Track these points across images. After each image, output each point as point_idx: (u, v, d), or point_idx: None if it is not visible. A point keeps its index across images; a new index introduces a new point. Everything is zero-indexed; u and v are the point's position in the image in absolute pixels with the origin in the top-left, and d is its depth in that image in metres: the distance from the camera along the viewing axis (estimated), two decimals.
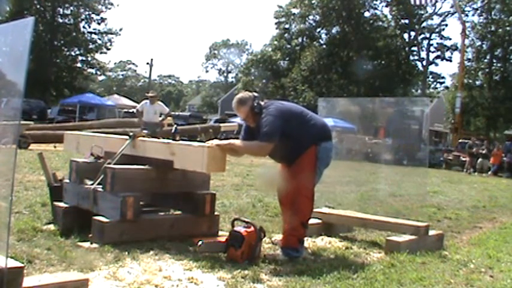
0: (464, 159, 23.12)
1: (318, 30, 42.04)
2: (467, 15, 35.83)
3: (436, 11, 39.63)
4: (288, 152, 4.18)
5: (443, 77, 42.45)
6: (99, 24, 42.31)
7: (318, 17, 41.01)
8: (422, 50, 40.50)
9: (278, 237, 4.58)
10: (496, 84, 34.74)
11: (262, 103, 4.27)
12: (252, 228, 4.07)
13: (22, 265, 2.65)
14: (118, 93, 50.74)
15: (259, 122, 4.17)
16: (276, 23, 43.80)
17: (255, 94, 4.34)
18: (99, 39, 42.69)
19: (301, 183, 4.20)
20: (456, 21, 60.33)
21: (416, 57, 40.74)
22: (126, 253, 3.85)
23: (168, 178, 4.54)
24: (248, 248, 3.98)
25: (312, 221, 5.03)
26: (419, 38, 40.00)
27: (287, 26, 43.87)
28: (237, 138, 4.48)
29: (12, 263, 2.55)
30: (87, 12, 41.83)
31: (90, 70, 44.38)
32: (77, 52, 42.17)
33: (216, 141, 4.25)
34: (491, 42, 34.64)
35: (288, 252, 4.22)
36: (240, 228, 4.08)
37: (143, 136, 4.88)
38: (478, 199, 10.10)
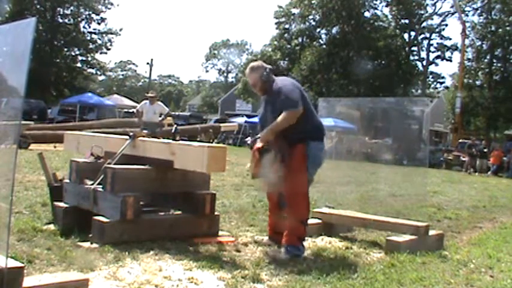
0: (464, 159, 23.15)
1: (318, 30, 41.91)
2: (467, 15, 35.83)
3: (436, 11, 39.69)
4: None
5: (443, 77, 42.33)
6: (99, 24, 42.33)
7: (318, 17, 40.89)
8: (423, 50, 40.48)
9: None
10: (496, 84, 34.69)
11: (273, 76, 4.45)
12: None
13: (22, 265, 2.64)
14: (118, 93, 50.65)
15: (270, 92, 4.38)
16: (276, 23, 43.71)
17: (269, 66, 4.54)
18: (99, 39, 42.66)
19: (294, 183, 4.23)
20: (456, 21, 60.28)
21: (416, 57, 40.68)
22: (126, 253, 3.86)
23: (168, 178, 4.55)
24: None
25: (312, 221, 5.04)
26: (420, 38, 39.94)
27: (287, 26, 43.75)
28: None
29: (12, 263, 2.54)
30: (87, 12, 41.77)
31: (90, 70, 44.34)
32: (77, 52, 42.13)
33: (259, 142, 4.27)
34: (491, 42, 34.58)
35: (290, 250, 4.24)
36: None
37: (143, 136, 4.88)
38: (478, 199, 10.10)
